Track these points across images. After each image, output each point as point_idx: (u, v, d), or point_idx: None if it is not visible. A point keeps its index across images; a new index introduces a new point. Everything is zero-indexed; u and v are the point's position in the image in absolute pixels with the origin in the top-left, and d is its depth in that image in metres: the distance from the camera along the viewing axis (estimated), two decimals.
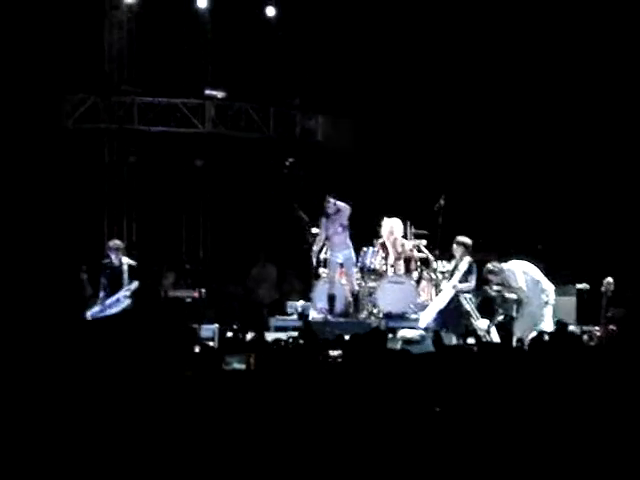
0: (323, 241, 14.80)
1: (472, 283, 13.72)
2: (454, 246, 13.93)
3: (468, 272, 13.72)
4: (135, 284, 13.73)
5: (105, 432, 5.41)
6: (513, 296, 13.54)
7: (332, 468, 5.24)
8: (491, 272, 13.63)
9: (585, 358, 7.38)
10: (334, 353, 7.90)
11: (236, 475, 5.19)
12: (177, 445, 5.33)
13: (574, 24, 18.62)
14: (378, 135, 20.68)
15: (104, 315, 13.56)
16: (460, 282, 13.67)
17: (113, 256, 13.85)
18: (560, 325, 11.03)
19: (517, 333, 13.01)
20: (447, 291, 13.82)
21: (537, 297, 13.49)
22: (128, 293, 13.67)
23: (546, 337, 8.26)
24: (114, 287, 13.72)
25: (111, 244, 14.25)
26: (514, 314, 13.53)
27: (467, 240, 13.89)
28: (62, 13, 18.86)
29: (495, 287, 13.63)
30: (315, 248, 14.88)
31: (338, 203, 14.52)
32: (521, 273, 13.57)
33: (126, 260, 13.91)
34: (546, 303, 13.53)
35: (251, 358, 6.49)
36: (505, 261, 13.90)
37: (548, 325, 13.27)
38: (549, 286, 13.65)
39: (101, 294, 13.78)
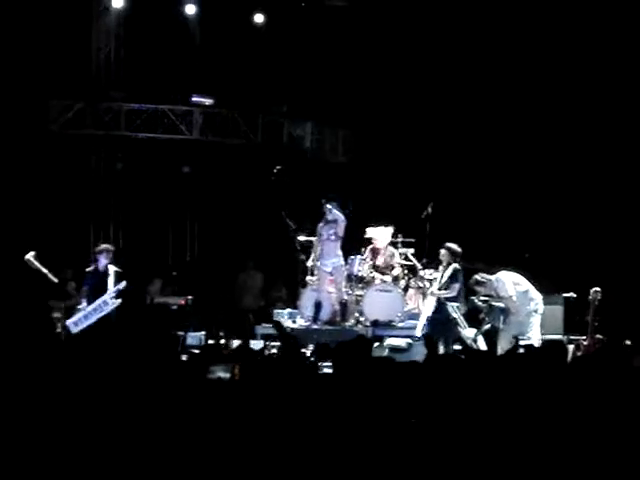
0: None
1: (454, 291, 13.59)
2: (441, 252, 13.81)
3: (452, 280, 13.62)
4: (123, 284, 13.50)
5: (87, 440, 5.35)
6: (500, 305, 13.48)
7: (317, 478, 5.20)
8: (478, 283, 13.55)
9: (570, 367, 7.34)
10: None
11: None
12: (159, 455, 5.28)
13: (563, 30, 18.66)
14: (366, 143, 20.67)
15: (89, 321, 13.36)
16: (441, 289, 13.58)
17: (102, 259, 13.66)
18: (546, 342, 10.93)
19: (503, 342, 12.98)
20: (430, 298, 13.78)
21: (525, 306, 13.43)
22: (114, 294, 13.45)
23: (521, 350, 8.22)
24: (98, 294, 13.55)
25: (102, 247, 14.06)
26: (500, 325, 13.47)
27: (455, 247, 13.79)
28: (49, 18, 18.80)
29: (482, 297, 13.58)
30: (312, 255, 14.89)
31: (336, 212, 14.45)
32: (510, 283, 13.49)
33: (112, 267, 13.74)
34: (534, 312, 13.47)
35: (236, 368, 6.43)
36: (493, 271, 13.84)
37: (536, 334, 13.22)
38: (537, 295, 13.58)
39: (83, 302, 13.56)
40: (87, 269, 13.83)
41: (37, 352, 6.83)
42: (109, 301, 13.40)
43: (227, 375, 6.57)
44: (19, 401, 5.64)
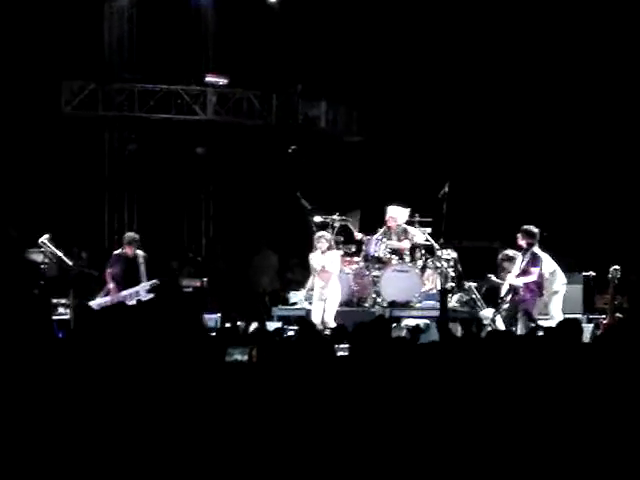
0: None
1: (534, 276, 12.66)
2: (518, 236, 12.90)
3: (530, 264, 12.66)
4: (155, 281, 13.44)
5: (103, 427, 5.28)
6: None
7: (335, 462, 5.12)
8: (509, 259, 13.16)
9: (589, 346, 7.26)
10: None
11: (235, 470, 5.06)
12: (177, 439, 5.20)
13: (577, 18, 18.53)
14: (382, 122, 20.53)
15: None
16: (519, 275, 12.69)
17: (128, 250, 13.62)
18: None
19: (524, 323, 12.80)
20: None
21: (551, 285, 13.17)
22: (149, 288, 13.36)
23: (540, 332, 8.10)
24: (129, 279, 13.46)
25: (128, 237, 13.99)
26: None
27: (531, 228, 12.89)
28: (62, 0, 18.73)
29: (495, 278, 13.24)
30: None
31: None
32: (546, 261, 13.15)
33: (140, 252, 13.68)
34: (557, 292, 13.25)
35: (253, 350, 6.34)
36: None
37: (557, 314, 13.03)
38: (562, 275, 13.36)
39: (111, 285, 13.48)
40: (116, 252, 13.83)
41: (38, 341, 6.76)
42: (143, 294, 13.29)
43: (245, 358, 6.48)
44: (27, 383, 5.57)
